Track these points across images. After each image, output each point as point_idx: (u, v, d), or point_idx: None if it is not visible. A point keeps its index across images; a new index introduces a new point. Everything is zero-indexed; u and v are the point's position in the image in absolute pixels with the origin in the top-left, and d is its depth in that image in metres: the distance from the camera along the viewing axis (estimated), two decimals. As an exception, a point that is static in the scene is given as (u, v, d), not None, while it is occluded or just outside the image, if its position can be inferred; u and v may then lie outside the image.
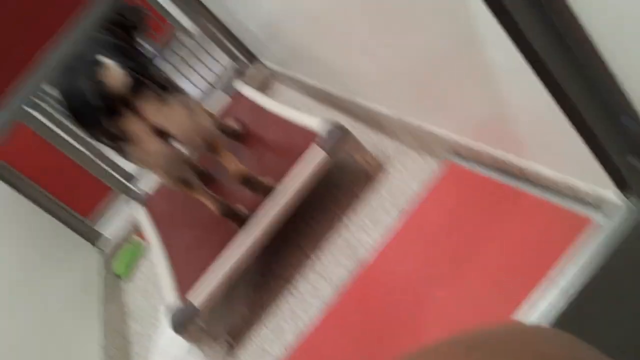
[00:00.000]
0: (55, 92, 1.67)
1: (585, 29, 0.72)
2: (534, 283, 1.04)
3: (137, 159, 1.54)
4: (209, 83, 2.91)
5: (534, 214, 1.16)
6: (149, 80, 1.46)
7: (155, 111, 1.46)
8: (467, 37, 0.95)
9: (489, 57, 0.95)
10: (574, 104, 0.82)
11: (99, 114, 1.42)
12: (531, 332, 0.39)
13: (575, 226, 1.05)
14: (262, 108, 2.17)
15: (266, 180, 1.68)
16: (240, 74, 2.81)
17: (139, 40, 1.84)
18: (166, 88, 1.50)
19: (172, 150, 1.58)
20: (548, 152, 1.08)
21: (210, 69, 2.94)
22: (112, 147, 1.53)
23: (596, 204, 1.05)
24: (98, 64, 1.35)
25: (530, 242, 1.13)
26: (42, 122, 2.63)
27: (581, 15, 0.70)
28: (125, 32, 1.74)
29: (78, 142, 2.77)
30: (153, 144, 1.49)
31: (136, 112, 1.44)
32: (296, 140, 1.79)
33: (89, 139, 2.86)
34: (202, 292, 1.58)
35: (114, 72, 1.36)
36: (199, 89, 2.94)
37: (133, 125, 1.45)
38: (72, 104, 1.47)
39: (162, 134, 1.52)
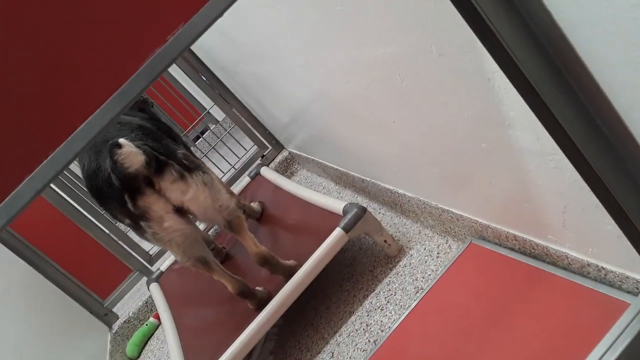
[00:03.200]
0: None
1: (615, 110, 0.72)
2: (566, 370, 0.97)
3: (156, 238, 1.54)
4: (233, 167, 2.97)
5: (562, 297, 1.11)
6: (173, 160, 1.50)
7: (176, 191, 1.48)
8: (492, 119, 0.96)
9: (515, 139, 0.95)
10: (607, 186, 0.79)
11: (121, 193, 1.45)
12: None
13: (608, 310, 1.00)
14: (284, 190, 2.20)
15: (288, 262, 1.66)
16: (263, 157, 2.88)
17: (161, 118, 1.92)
18: (190, 168, 1.53)
19: (192, 229, 1.58)
20: (577, 234, 1.05)
21: (235, 154, 3.02)
22: (131, 226, 1.54)
23: (631, 287, 1.00)
24: (116, 145, 1.39)
25: (558, 326, 1.07)
26: (63, 198, 2.68)
27: (609, 95, 0.71)
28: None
29: (99, 221, 2.80)
30: (173, 223, 1.50)
31: (158, 191, 1.47)
32: (318, 222, 1.79)
33: (109, 219, 2.91)
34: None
35: (129, 152, 1.39)
36: (223, 172, 3.00)
37: (154, 205, 1.47)
38: (94, 182, 1.50)
39: (183, 212, 1.53)
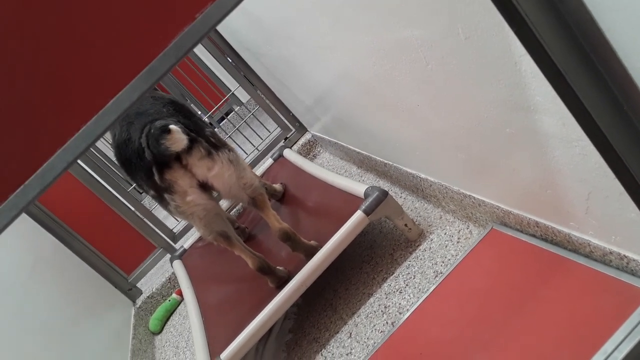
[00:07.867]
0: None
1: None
2: (584, 357, 0.97)
3: (178, 211, 1.57)
4: (256, 148, 2.99)
5: (583, 285, 1.10)
6: (201, 137, 1.53)
7: (203, 167, 1.52)
8: (517, 104, 0.96)
9: (540, 125, 0.95)
10: (632, 174, 0.78)
11: (149, 165, 1.48)
12: None
13: (630, 299, 0.99)
14: (306, 173, 2.21)
15: (309, 242, 1.68)
16: (286, 140, 2.89)
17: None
18: (217, 146, 1.56)
19: (214, 204, 1.61)
20: (600, 221, 1.04)
21: (258, 135, 3.04)
22: (155, 197, 1.58)
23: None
24: (166, 130, 1.43)
25: (578, 313, 1.06)
26: (91, 176, 2.74)
27: (638, 82, 0.69)
28: None
29: (125, 199, 2.86)
30: (195, 197, 1.53)
31: (185, 166, 1.50)
32: (339, 204, 1.80)
33: (135, 197, 2.96)
34: (233, 349, 1.54)
35: (177, 139, 1.44)
36: (246, 153, 3.03)
37: (180, 179, 1.51)
38: (124, 152, 1.54)
39: (207, 188, 1.57)
